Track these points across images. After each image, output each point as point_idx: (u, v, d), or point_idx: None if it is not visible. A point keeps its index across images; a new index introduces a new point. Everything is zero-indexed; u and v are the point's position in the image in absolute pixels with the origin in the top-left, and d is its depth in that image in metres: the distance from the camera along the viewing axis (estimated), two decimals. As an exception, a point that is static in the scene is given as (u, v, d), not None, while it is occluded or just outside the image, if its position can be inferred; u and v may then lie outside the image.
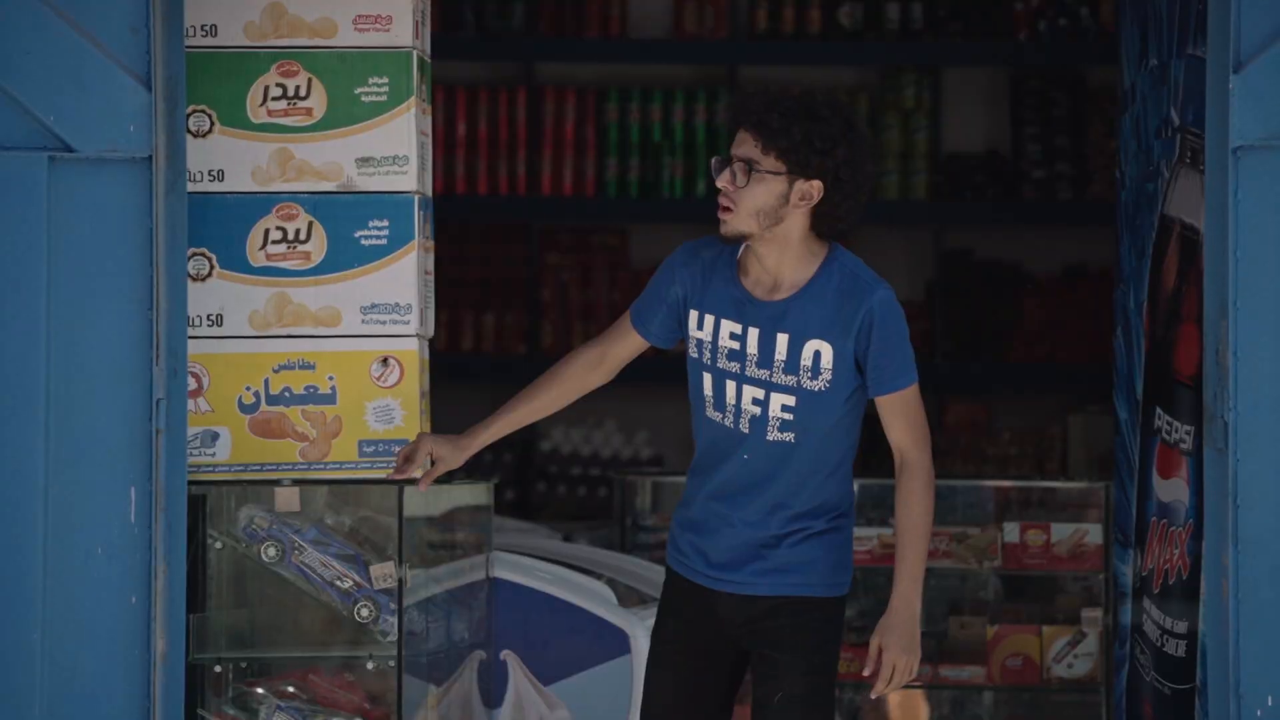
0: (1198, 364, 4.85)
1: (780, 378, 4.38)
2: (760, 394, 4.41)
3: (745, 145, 4.37)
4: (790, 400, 4.39)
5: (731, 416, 4.44)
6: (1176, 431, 5.17)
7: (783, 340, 4.37)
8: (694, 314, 4.48)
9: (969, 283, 8.73)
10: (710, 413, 4.48)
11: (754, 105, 4.38)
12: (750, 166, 4.36)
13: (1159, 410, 5.27)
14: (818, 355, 4.37)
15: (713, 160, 4.43)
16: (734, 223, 4.39)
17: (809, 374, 4.38)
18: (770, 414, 4.39)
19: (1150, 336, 5.35)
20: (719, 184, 4.40)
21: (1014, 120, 8.67)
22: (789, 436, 4.40)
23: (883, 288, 4.42)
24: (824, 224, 4.38)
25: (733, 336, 4.42)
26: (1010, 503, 6.82)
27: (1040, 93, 8.61)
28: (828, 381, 4.37)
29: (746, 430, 4.43)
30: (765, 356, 4.39)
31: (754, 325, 4.40)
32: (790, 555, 4.43)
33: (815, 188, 4.36)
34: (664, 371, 8.84)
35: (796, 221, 4.38)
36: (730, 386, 4.44)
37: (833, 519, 4.44)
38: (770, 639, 4.40)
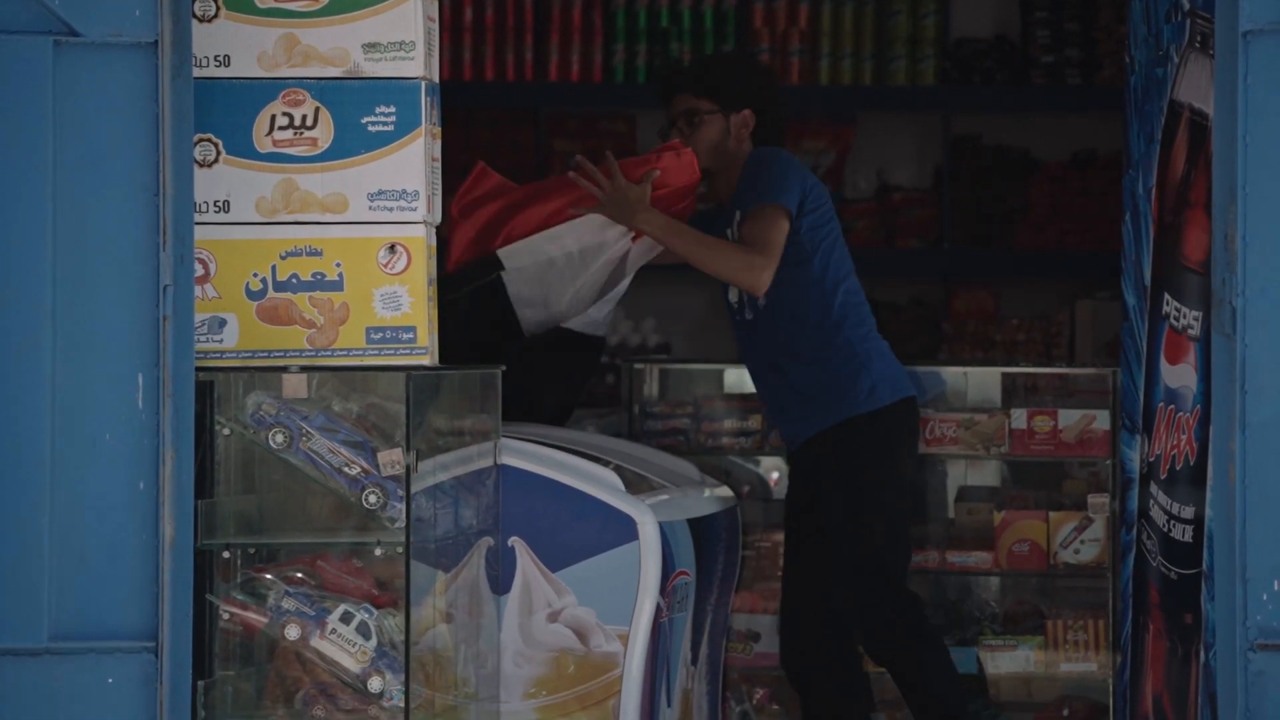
0: (1206, 250, 4.84)
1: None
2: None
3: (680, 104, 5.54)
4: None
5: (736, 307, 5.69)
6: (1184, 317, 5.17)
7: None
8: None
9: (977, 168, 8.70)
10: (732, 307, 5.74)
11: (677, 71, 5.62)
12: (691, 116, 5.53)
13: (1167, 296, 5.26)
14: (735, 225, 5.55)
15: (659, 132, 5.48)
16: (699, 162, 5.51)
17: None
18: (744, 296, 5.65)
19: (1159, 222, 5.34)
20: (674, 141, 5.48)
21: (1023, 5, 8.61)
22: (753, 315, 5.62)
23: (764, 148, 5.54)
24: (765, 135, 5.54)
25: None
26: (1018, 389, 6.83)
27: (1050, -23, 8.54)
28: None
29: (748, 315, 5.69)
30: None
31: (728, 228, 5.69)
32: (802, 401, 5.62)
33: (748, 115, 5.52)
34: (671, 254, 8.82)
35: (743, 148, 5.53)
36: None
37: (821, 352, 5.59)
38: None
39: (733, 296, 5.69)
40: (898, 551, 5.58)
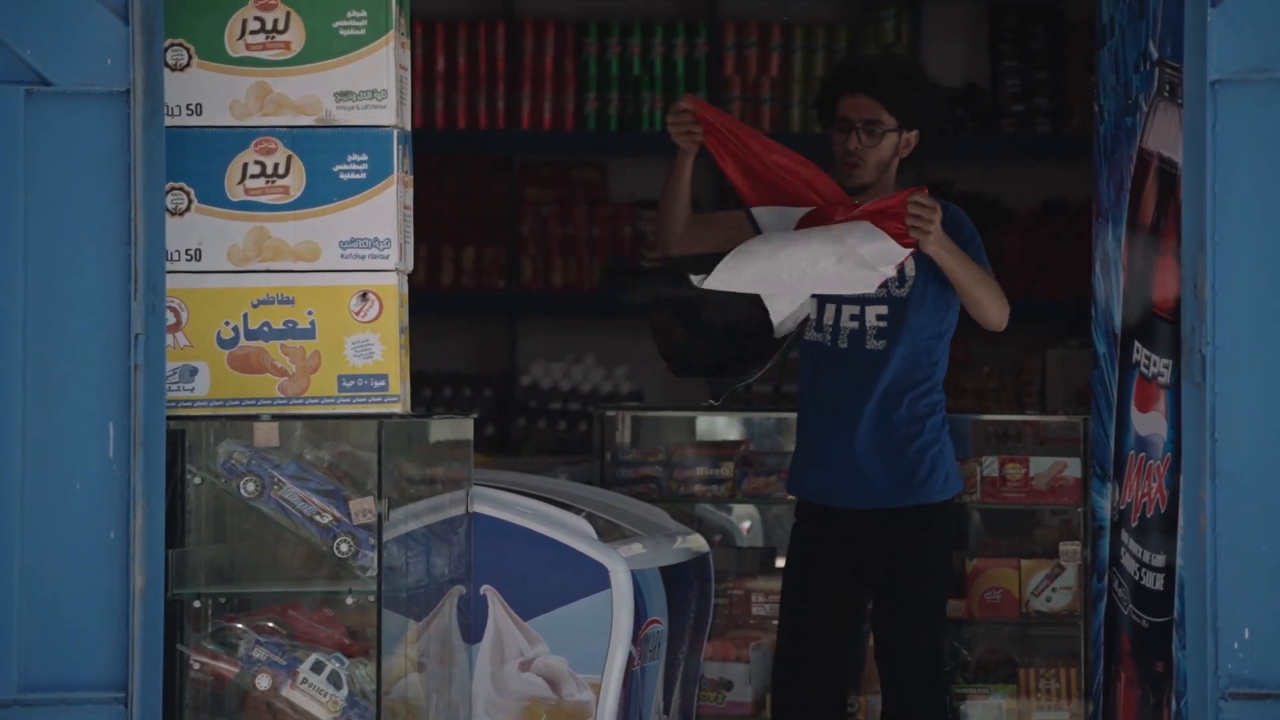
0: (1176, 298, 4.85)
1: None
2: (855, 309, 5.48)
3: (867, 109, 5.45)
4: (883, 309, 5.47)
5: (830, 334, 5.50)
6: (1155, 365, 5.18)
7: None
8: None
9: (948, 217, 8.70)
10: (810, 335, 5.51)
11: (873, 72, 5.47)
12: (872, 126, 5.45)
13: (1137, 344, 5.28)
14: (902, 264, 5.41)
15: (833, 133, 5.46)
16: (861, 176, 5.47)
17: (895, 283, 5.47)
18: (866, 324, 5.48)
19: (1129, 270, 5.36)
20: (849, 146, 5.45)
21: (993, 54, 8.65)
22: (882, 344, 5.47)
23: (952, 204, 5.51)
24: (905, 161, 5.53)
25: None
26: (989, 436, 6.84)
27: (1019, 26, 8.60)
28: (912, 287, 5.48)
29: (845, 345, 5.49)
30: None
31: None
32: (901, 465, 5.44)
33: (914, 136, 5.49)
34: (643, 307, 8.83)
35: (892, 170, 5.53)
36: (829, 308, 5.50)
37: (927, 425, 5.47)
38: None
39: (828, 319, 5.49)
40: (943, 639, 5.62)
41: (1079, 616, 6.61)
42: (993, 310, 5.42)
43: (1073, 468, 6.63)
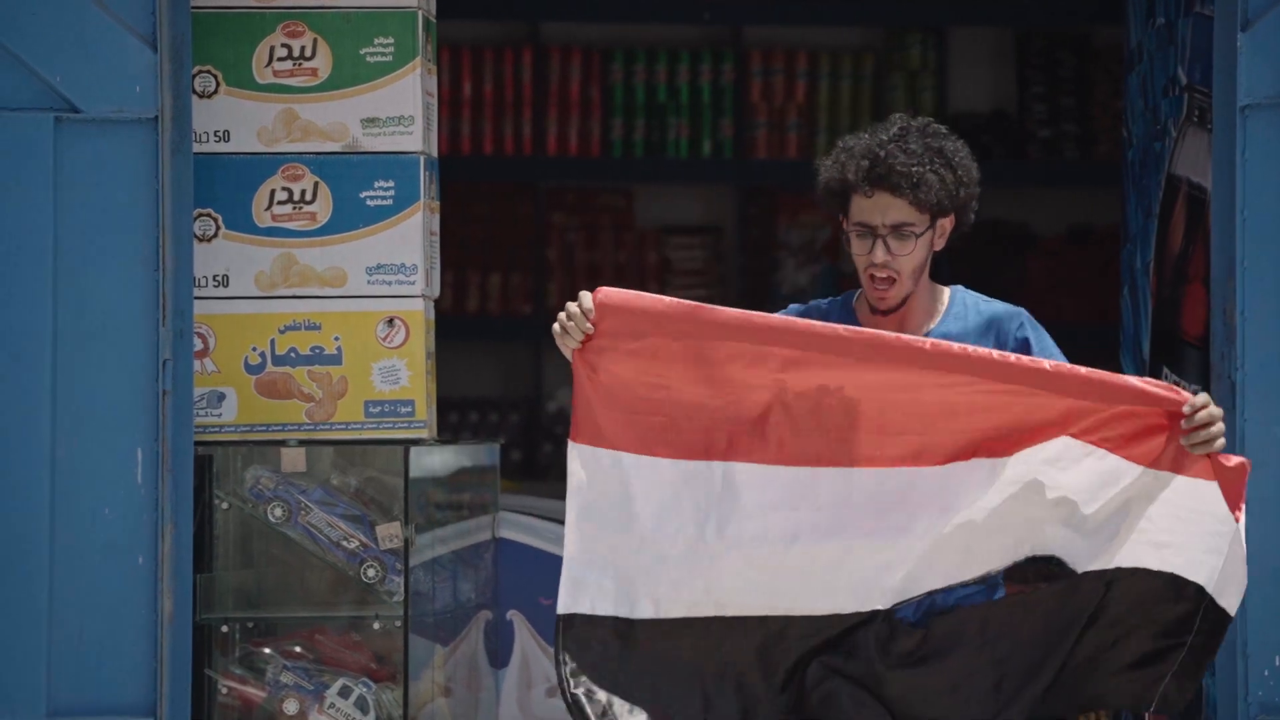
0: (1205, 324, 4.84)
1: None
2: None
3: (891, 209, 4.05)
4: None
5: None
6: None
7: None
8: None
9: (974, 243, 8.71)
10: None
11: (892, 164, 4.07)
12: (902, 230, 4.06)
13: (1166, 370, 5.27)
14: None
15: (849, 235, 4.09)
16: (898, 291, 4.07)
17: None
18: None
19: (1157, 296, 5.35)
20: (876, 259, 4.05)
21: (1020, 80, 8.65)
22: None
23: (1020, 308, 4.28)
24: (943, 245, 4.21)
25: None
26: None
27: (1046, 52, 8.59)
28: None
29: None
30: None
31: None
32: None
33: (949, 222, 4.15)
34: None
35: (928, 264, 4.17)
36: None
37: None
38: None
39: None
40: None
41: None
42: None
43: (1100, 494, 6.60)
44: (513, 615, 5.39)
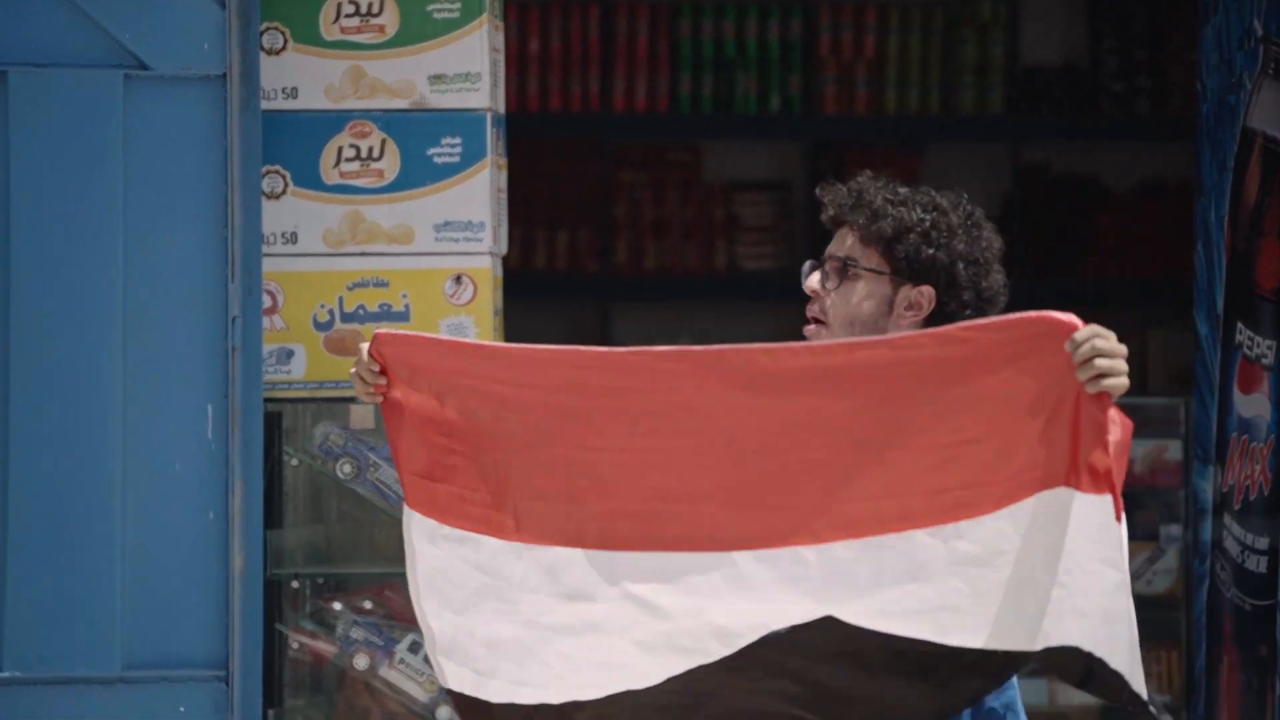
0: (1279, 278, 4.80)
1: None
2: None
3: (842, 242, 3.44)
4: None
5: None
6: (1258, 346, 5.12)
7: None
8: None
9: (1045, 198, 8.66)
10: None
11: (853, 193, 3.44)
12: (845, 265, 3.39)
13: (1240, 325, 5.22)
14: None
15: (805, 265, 3.47)
16: (824, 338, 3.38)
17: None
18: None
19: (1231, 250, 5.30)
20: (806, 288, 3.43)
21: (1092, 33, 8.57)
22: None
23: None
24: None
25: None
26: (1088, 419, 6.77)
27: (1119, 4, 8.51)
28: None
29: None
30: None
31: None
32: None
33: (926, 295, 3.36)
34: (739, 288, 8.81)
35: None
36: None
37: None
38: None
39: None
40: None
41: (1180, 600, 6.55)
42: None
43: (1174, 450, 6.56)
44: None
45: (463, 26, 4.80)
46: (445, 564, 3.09)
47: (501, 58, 4.95)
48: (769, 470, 2.88)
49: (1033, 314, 3.05)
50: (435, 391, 3.07)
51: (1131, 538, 6.93)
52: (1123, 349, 3.13)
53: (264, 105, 4.66)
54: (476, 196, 4.80)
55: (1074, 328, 3.05)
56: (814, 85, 8.51)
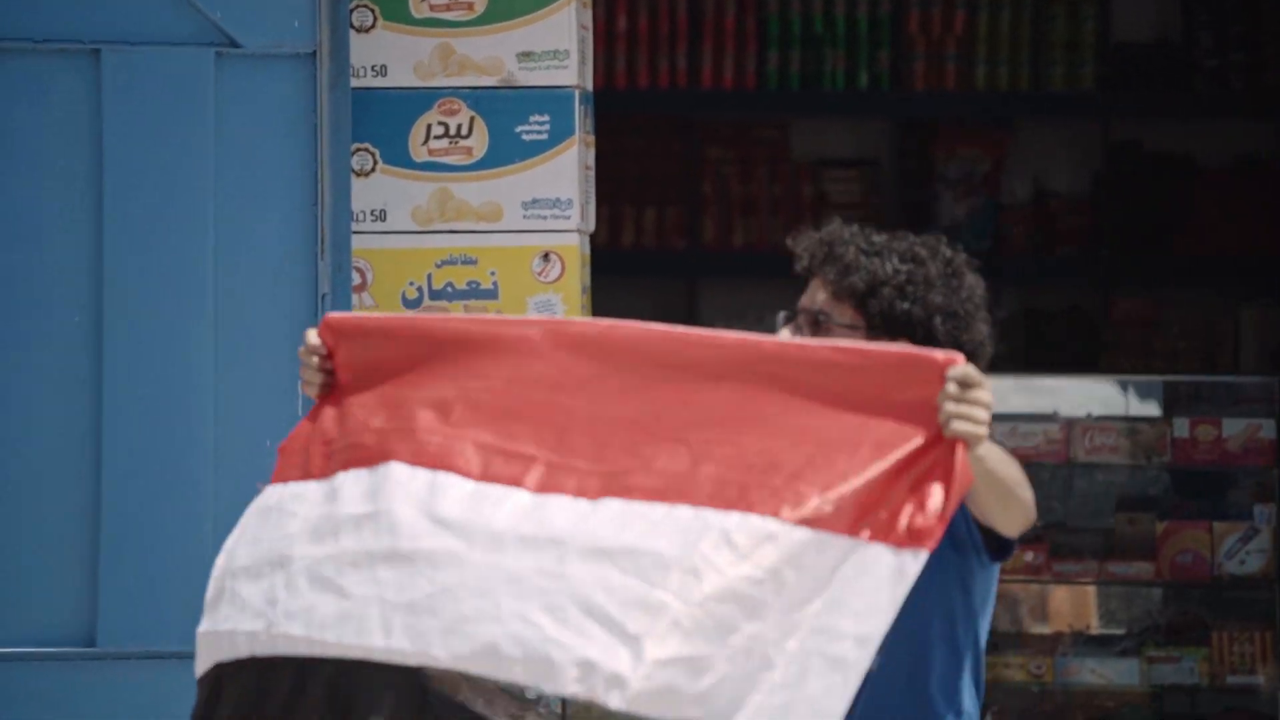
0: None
1: None
2: None
3: (815, 294, 3.31)
4: None
5: None
6: (1353, 324, 5.06)
7: None
8: None
9: (1138, 175, 8.59)
10: None
11: (824, 244, 3.30)
12: (817, 319, 3.26)
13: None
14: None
15: (779, 315, 3.37)
16: None
17: None
18: None
19: (1327, 227, 5.24)
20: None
21: (1185, 8, 8.49)
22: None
23: None
24: None
25: None
26: (1180, 397, 6.73)
27: (1213, -20, 8.43)
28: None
29: None
30: None
31: None
32: None
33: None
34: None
35: None
36: None
37: None
38: None
39: None
40: None
41: (1273, 580, 6.50)
42: (1025, 508, 3.18)
43: (1267, 429, 6.51)
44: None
45: (551, 4, 4.80)
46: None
47: (590, 35, 4.94)
48: (597, 429, 2.87)
49: (911, 349, 2.92)
50: (381, 376, 3.02)
51: (1224, 517, 6.88)
52: (988, 399, 2.90)
53: (353, 83, 4.66)
54: (564, 174, 4.80)
55: (947, 365, 2.89)
56: (903, 61, 8.46)
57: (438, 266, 4.81)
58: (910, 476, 2.77)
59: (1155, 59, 8.47)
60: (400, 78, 4.81)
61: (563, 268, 4.80)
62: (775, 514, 2.73)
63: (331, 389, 3.09)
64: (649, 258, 8.77)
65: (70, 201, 4.54)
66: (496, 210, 4.81)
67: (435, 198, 4.81)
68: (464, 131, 4.81)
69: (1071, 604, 6.98)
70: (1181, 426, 6.56)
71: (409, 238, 4.82)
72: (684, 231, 8.79)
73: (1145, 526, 6.64)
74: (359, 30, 4.78)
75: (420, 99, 4.81)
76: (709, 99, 8.63)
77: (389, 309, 4.81)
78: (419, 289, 4.82)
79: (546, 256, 4.81)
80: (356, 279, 4.77)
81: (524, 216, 4.81)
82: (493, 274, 4.81)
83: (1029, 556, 6.61)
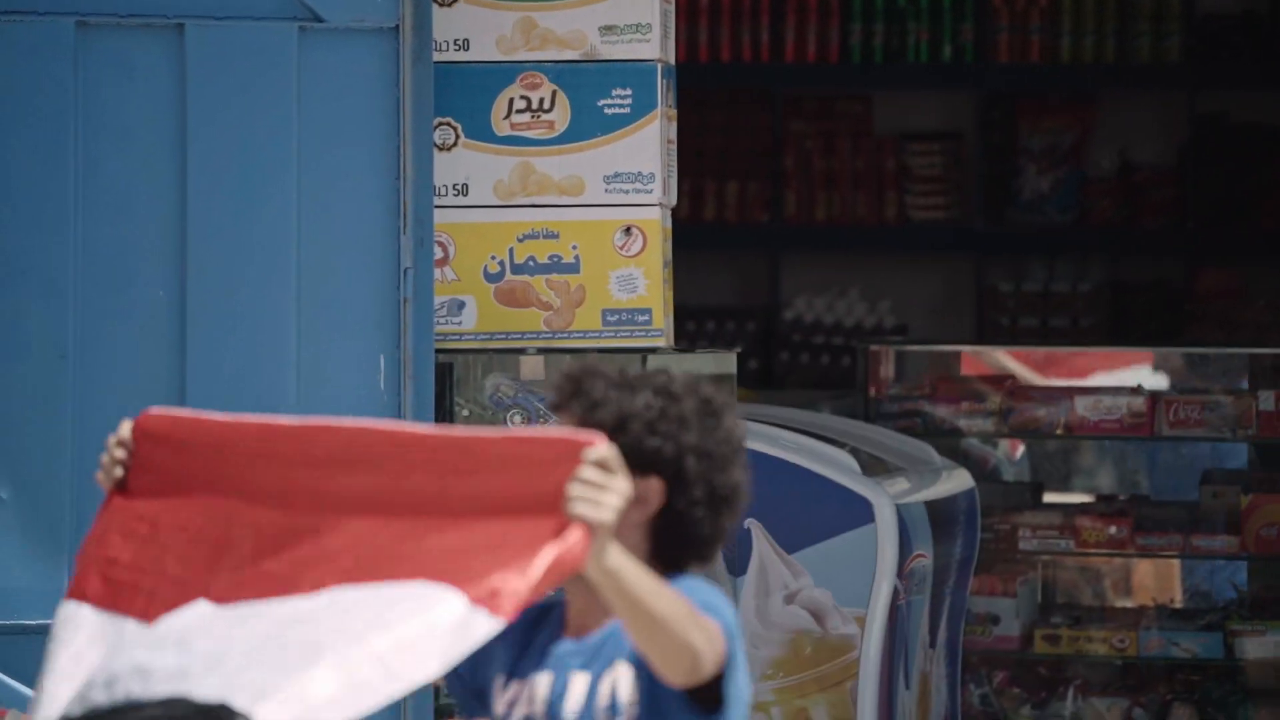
0: None
1: None
2: None
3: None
4: None
5: None
6: None
7: (580, 681, 3.00)
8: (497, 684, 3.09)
9: (1223, 147, 8.52)
10: None
11: (572, 381, 3.05)
12: None
13: None
14: (615, 688, 2.97)
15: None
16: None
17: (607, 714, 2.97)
18: None
19: None
20: None
21: (1272, -21, 8.41)
22: None
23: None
24: (671, 547, 3.01)
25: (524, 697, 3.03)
26: (1265, 370, 6.69)
27: (1300, -50, 8.34)
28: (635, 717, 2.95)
29: None
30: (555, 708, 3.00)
31: (549, 670, 3.03)
32: None
33: (652, 489, 2.99)
34: (909, 239, 8.75)
35: (627, 540, 2.94)
36: None
37: None
38: None
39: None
40: None
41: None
42: (687, 652, 2.90)
43: (1350, 409, 6.46)
44: (750, 524, 5.39)
45: (633, -24, 4.80)
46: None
47: (672, 8, 4.94)
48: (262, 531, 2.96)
49: (557, 433, 2.85)
50: (157, 489, 3.04)
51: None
52: (623, 488, 2.83)
53: (435, 57, 4.68)
54: (647, 148, 4.80)
55: (586, 446, 2.82)
56: (986, 34, 8.42)
57: (519, 240, 4.83)
58: (517, 545, 2.77)
59: (1241, 30, 8.40)
60: (482, 52, 4.82)
61: (644, 241, 4.81)
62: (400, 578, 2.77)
63: (123, 485, 3.08)
64: (731, 231, 8.77)
65: (154, 176, 4.57)
66: (578, 184, 4.82)
67: (517, 172, 4.82)
68: (546, 105, 4.81)
69: (1155, 577, 6.95)
70: (1267, 399, 6.52)
71: (491, 212, 4.83)
72: (766, 205, 8.78)
73: (1230, 500, 6.60)
74: (441, 4, 4.79)
75: (502, 73, 4.82)
76: (792, 72, 8.62)
77: (470, 283, 4.83)
78: (500, 263, 4.83)
79: (628, 230, 4.81)
80: (439, 253, 4.79)
81: (606, 190, 4.81)
82: (574, 248, 4.82)
83: (1113, 530, 6.59)
